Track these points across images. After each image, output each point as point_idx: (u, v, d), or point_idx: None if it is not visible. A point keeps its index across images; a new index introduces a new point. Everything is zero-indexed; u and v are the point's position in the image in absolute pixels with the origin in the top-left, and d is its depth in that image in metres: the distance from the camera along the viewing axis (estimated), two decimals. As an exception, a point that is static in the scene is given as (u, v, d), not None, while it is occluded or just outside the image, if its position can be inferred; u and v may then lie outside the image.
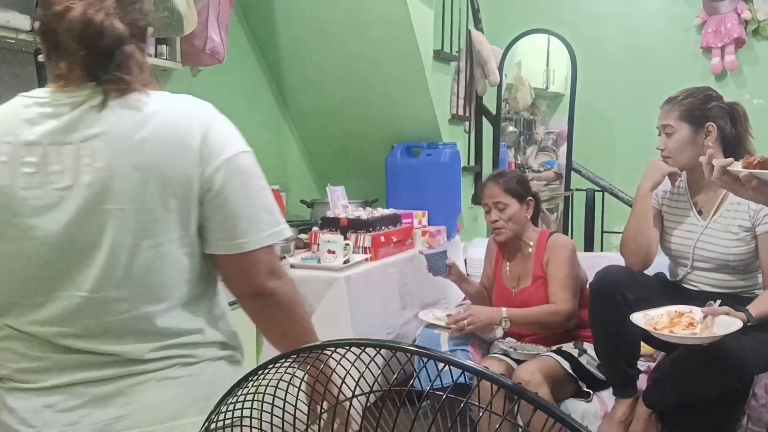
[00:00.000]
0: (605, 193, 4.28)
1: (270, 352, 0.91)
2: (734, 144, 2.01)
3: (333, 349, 0.66)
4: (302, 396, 0.74)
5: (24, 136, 0.96)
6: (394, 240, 2.80)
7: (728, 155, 1.88)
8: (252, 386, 0.72)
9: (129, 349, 0.98)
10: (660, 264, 2.18)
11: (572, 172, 4.19)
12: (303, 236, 2.82)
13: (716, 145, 1.96)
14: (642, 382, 2.07)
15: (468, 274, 3.02)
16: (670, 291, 2.05)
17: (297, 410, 0.76)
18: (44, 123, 0.96)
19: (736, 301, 1.85)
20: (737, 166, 1.31)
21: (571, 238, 3.89)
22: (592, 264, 2.43)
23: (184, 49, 2.44)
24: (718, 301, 1.80)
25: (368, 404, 0.67)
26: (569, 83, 4.12)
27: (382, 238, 2.70)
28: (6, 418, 0.98)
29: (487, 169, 3.88)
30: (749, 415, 1.96)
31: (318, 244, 2.57)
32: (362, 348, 0.64)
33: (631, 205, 2.17)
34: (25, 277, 0.97)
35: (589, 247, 4.02)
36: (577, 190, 4.21)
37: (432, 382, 0.63)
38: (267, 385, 0.74)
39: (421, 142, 3.31)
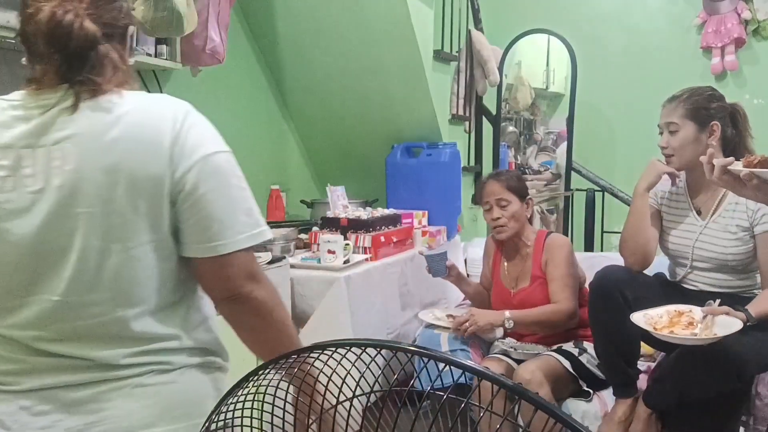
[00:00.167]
0: (605, 193, 4.28)
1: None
2: (734, 144, 2.01)
3: (334, 349, 0.66)
4: (292, 407, 0.73)
5: None
6: (394, 240, 2.80)
7: (728, 155, 1.88)
8: (252, 386, 0.72)
9: (104, 355, 0.97)
10: (660, 264, 2.19)
11: (572, 172, 4.20)
12: (303, 236, 2.82)
13: (717, 145, 1.96)
14: (642, 382, 2.07)
15: (468, 275, 3.02)
16: (670, 291, 2.05)
17: (297, 410, 0.76)
18: (17, 126, 0.95)
19: (736, 300, 1.85)
20: (737, 166, 1.31)
21: (571, 238, 3.90)
22: (591, 264, 2.43)
23: (184, 49, 2.44)
24: (718, 301, 1.80)
25: (369, 404, 0.67)
26: (569, 83, 4.12)
27: (382, 238, 2.70)
28: None
29: (487, 169, 3.88)
30: (754, 414, 1.96)
31: (318, 244, 2.57)
32: (362, 348, 0.65)
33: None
34: (1, 281, 0.97)
35: (589, 247, 4.02)
36: (577, 190, 4.21)
37: (432, 383, 0.63)
38: (267, 386, 0.74)
39: (421, 142, 3.31)
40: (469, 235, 3.63)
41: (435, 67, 3.22)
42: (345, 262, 2.47)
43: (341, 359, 0.67)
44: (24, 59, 1.01)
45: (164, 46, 2.38)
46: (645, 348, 2.15)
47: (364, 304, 2.46)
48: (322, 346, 0.67)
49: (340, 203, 2.95)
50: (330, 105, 3.39)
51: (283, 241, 2.49)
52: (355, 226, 2.68)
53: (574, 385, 2.17)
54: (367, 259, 2.61)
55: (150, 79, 2.52)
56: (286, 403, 0.74)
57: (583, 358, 2.18)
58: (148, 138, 0.95)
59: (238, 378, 0.74)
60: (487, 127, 4.01)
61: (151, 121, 0.97)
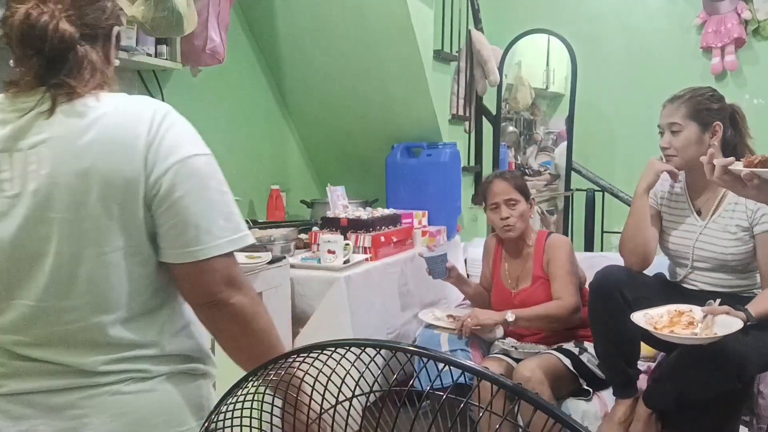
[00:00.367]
0: (605, 193, 4.28)
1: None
2: (733, 145, 2.01)
3: (333, 348, 0.66)
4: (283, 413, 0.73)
5: None
6: (394, 240, 2.80)
7: (727, 156, 1.88)
8: (252, 386, 0.72)
9: (81, 361, 0.96)
10: (660, 264, 2.19)
11: (572, 172, 4.20)
12: (303, 236, 2.82)
13: (717, 146, 1.96)
14: (642, 382, 2.08)
15: (468, 275, 3.02)
16: (670, 291, 2.05)
17: (297, 411, 0.76)
18: None
19: (736, 300, 1.86)
20: (738, 166, 1.31)
21: (571, 238, 3.90)
22: (592, 264, 2.43)
23: (184, 49, 2.44)
24: (718, 301, 1.80)
25: (368, 404, 0.67)
26: (569, 83, 4.12)
27: (382, 238, 2.70)
28: None
29: (487, 169, 3.88)
30: (758, 413, 1.96)
31: (318, 244, 2.57)
32: (362, 348, 0.65)
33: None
34: None
35: (589, 247, 4.02)
36: (577, 190, 4.21)
37: (432, 383, 0.63)
38: (267, 386, 0.74)
39: (421, 142, 3.31)
40: (469, 235, 3.63)
41: (435, 67, 3.22)
42: (345, 262, 2.47)
43: (341, 359, 0.67)
44: (11, 61, 1.00)
45: (164, 46, 2.38)
46: (645, 348, 2.15)
47: (364, 304, 2.46)
48: (321, 346, 0.67)
49: (340, 203, 2.95)
50: (330, 105, 3.39)
51: (283, 241, 2.49)
52: (355, 226, 2.68)
53: (574, 384, 2.16)
54: (367, 259, 2.61)
55: (150, 79, 2.52)
56: (275, 410, 0.73)
57: (584, 357, 2.18)
58: (122, 140, 0.94)
59: (228, 383, 0.74)
60: (487, 127, 4.01)
61: (127, 123, 0.95)
